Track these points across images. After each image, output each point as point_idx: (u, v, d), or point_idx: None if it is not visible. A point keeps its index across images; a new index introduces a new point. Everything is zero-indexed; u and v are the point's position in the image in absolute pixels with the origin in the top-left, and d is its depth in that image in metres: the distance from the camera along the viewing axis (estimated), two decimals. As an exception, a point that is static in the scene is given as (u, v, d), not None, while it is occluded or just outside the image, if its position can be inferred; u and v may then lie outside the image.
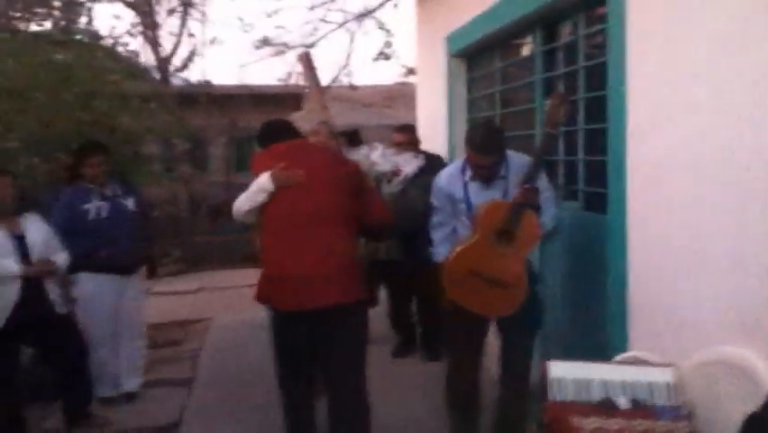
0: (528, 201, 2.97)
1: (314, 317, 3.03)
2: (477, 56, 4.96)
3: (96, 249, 4.02)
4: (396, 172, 3.34)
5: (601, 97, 3.19)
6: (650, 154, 2.77)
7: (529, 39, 4.16)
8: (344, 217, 3.09)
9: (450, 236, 3.29)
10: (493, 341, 3.45)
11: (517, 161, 3.23)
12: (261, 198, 3.08)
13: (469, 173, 3.20)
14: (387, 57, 14.08)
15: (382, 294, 5.30)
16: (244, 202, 3.16)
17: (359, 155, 3.44)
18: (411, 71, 14.79)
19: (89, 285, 4.13)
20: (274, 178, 3.03)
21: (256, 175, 3.13)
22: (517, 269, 2.99)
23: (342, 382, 3.12)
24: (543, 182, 3.15)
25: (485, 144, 3.08)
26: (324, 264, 3.02)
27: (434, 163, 4.11)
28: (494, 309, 3.11)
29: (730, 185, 2.30)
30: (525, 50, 4.25)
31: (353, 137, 5.32)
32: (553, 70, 3.85)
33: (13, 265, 3.56)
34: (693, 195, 2.50)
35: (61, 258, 3.81)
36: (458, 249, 3.08)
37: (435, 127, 5.43)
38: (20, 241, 3.64)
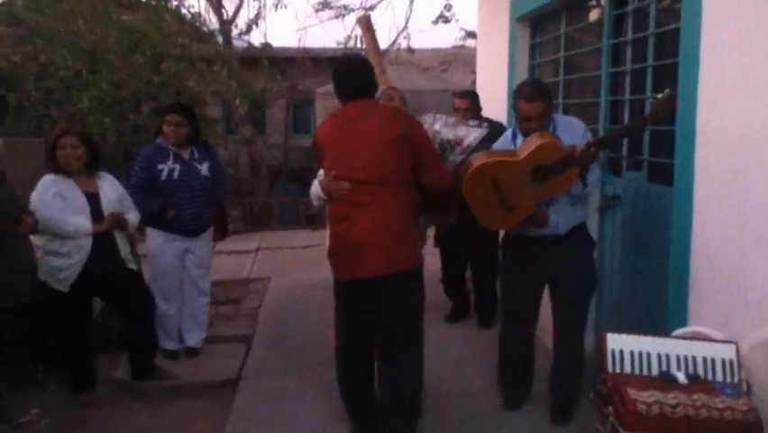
0: (583, 161, 3.01)
1: (365, 285, 3.06)
2: (542, 20, 4.85)
3: (165, 209, 4.14)
4: (458, 142, 3.31)
5: (670, 65, 3.10)
6: (722, 125, 2.68)
7: (598, 3, 4.04)
8: (399, 182, 3.04)
9: None
10: (546, 312, 3.45)
11: (565, 122, 3.28)
12: (319, 203, 3.36)
13: (519, 138, 3.21)
14: (446, 20, 13.89)
15: (437, 259, 5.32)
16: (314, 199, 3.40)
17: (423, 120, 3.42)
18: (470, 35, 14.56)
19: (156, 242, 4.27)
20: (323, 188, 3.20)
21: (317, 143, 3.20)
22: (531, 205, 3.13)
23: (389, 355, 3.11)
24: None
25: (532, 90, 3.19)
26: (375, 232, 3.00)
27: (496, 130, 4.08)
28: (488, 222, 3.29)
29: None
30: (593, 15, 4.13)
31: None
32: (621, 36, 3.74)
33: (86, 222, 3.70)
34: (765, 169, 2.42)
35: (132, 217, 3.94)
36: (497, 158, 3.17)
37: (496, 93, 5.35)
38: (94, 199, 3.78)
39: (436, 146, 3.31)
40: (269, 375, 4.18)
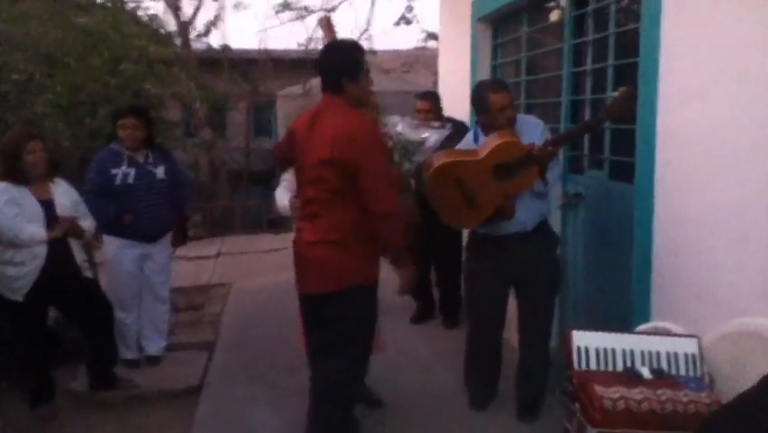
0: (542, 158, 3.05)
1: (309, 299, 2.95)
2: (503, 21, 4.88)
3: (120, 214, 4.05)
4: (420, 143, 3.30)
5: (631, 65, 3.13)
6: (681, 124, 2.72)
7: (558, 4, 4.08)
8: (342, 196, 2.79)
9: None
10: (512, 310, 3.46)
11: (526, 121, 3.33)
12: (284, 213, 3.41)
13: (481, 140, 3.24)
14: (408, 21, 13.91)
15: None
16: (280, 209, 3.48)
17: (387, 122, 3.41)
18: (431, 36, 14.62)
19: (113, 248, 4.17)
20: (291, 208, 3.19)
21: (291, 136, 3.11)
22: (495, 202, 3.15)
23: (322, 367, 2.99)
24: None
25: (495, 82, 3.37)
26: (314, 246, 2.85)
27: (459, 130, 4.08)
28: (452, 220, 3.34)
29: (763, 157, 2.26)
30: (554, 16, 4.17)
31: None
32: (582, 37, 3.78)
33: (40, 230, 3.59)
34: (724, 167, 2.46)
35: (87, 223, 3.84)
36: (457, 158, 3.21)
37: (458, 94, 5.36)
38: (48, 206, 3.67)
39: (399, 148, 3.29)
40: (233, 381, 4.11)
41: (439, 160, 3.17)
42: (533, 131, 3.24)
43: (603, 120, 3.07)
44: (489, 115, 3.20)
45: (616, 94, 2.93)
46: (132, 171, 4.10)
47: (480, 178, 3.11)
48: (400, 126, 3.33)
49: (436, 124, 3.49)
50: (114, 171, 4.06)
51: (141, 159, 4.16)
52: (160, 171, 4.22)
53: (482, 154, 3.11)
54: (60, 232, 3.65)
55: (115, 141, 4.13)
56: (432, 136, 3.37)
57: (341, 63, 2.76)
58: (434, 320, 5.13)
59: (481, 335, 3.53)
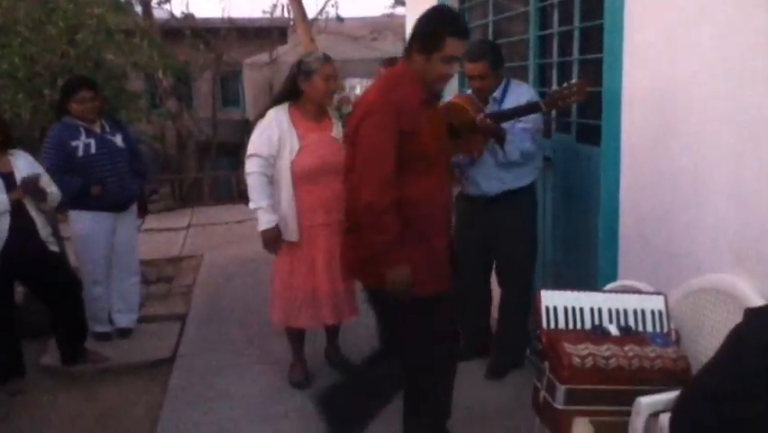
0: (482, 129, 3.14)
1: None
2: (469, -15, 4.84)
3: (87, 186, 3.97)
4: None
5: (597, 27, 3.14)
6: (647, 86, 2.74)
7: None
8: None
9: None
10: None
11: (518, 89, 3.33)
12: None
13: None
14: (375, -12, 13.75)
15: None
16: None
17: (346, 87, 3.41)
18: (399, 2, 14.51)
19: (82, 223, 4.09)
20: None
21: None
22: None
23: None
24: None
25: (476, 50, 3.29)
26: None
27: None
28: None
29: (728, 118, 2.29)
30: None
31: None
32: (547, 0, 3.76)
33: (2, 197, 3.51)
34: (691, 127, 2.49)
35: (53, 190, 3.76)
36: None
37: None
38: (8, 179, 3.58)
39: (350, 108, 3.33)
40: (206, 352, 4.11)
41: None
42: (519, 98, 3.28)
43: (541, 110, 3.14)
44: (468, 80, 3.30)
45: (571, 84, 2.98)
46: (93, 141, 4.02)
47: None
48: (359, 89, 3.33)
49: None
50: (74, 144, 3.97)
51: (98, 129, 4.08)
52: (118, 140, 4.16)
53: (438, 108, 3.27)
54: (21, 192, 3.56)
55: (68, 114, 4.04)
56: None
57: (419, 29, 2.44)
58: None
59: (468, 288, 3.49)
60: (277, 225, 3.34)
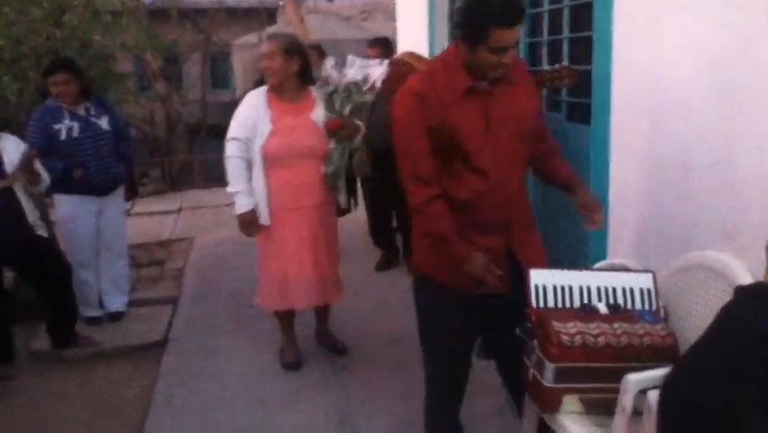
0: None
1: None
2: (458, -37, 4.79)
3: (69, 170, 3.94)
4: (367, 79, 3.30)
5: (587, 5, 3.12)
6: (637, 64, 2.72)
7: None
8: None
9: None
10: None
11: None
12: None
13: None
14: (365, -34, 13.63)
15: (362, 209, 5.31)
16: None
17: (325, 68, 3.39)
18: (390, -18, 14.35)
19: (66, 206, 4.07)
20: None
21: None
22: None
23: None
24: None
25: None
26: None
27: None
28: None
29: (719, 97, 2.28)
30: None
31: (319, 51, 5.35)
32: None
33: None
34: (680, 106, 2.48)
35: (42, 175, 3.73)
36: (412, 59, 3.51)
37: (416, 39, 5.29)
38: (-5, 161, 3.56)
39: (340, 92, 3.29)
40: (198, 335, 4.11)
41: (399, 55, 3.56)
42: None
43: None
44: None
45: (558, 68, 2.98)
46: (76, 124, 3.98)
47: None
48: (349, 71, 3.30)
49: (375, 60, 3.48)
50: (56, 127, 3.94)
51: (82, 112, 4.04)
52: (104, 122, 4.12)
53: (426, 67, 3.30)
54: (12, 179, 3.53)
55: (50, 97, 3.99)
56: (374, 72, 3.37)
57: (462, 17, 2.20)
58: (398, 268, 5.16)
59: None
60: (252, 209, 3.35)
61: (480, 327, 2.49)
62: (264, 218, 3.38)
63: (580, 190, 2.34)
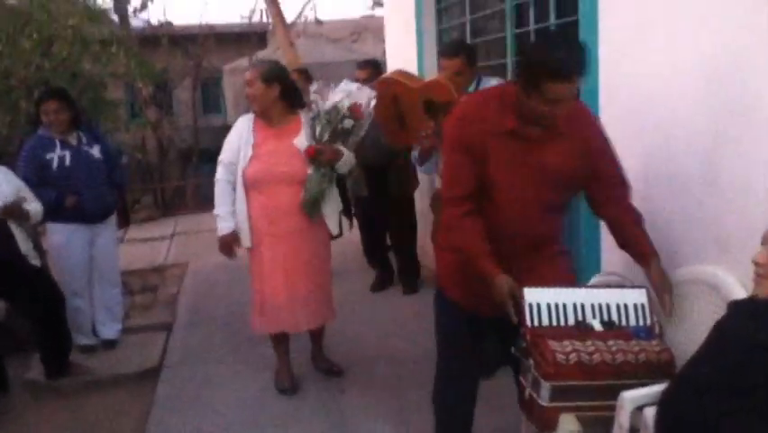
0: None
1: None
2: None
3: (62, 198, 3.93)
4: (355, 108, 3.30)
5: (572, 23, 3.15)
6: (624, 81, 2.75)
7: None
8: None
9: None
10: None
11: (490, 83, 3.47)
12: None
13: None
14: (355, -11, 13.75)
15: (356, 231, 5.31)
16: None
17: (312, 94, 3.40)
18: (379, 3, 14.49)
19: (58, 235, 4.06)
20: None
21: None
22: (420, 122, 3.39)
23: None
24: None
25: (449, 47, 3.65)
26: None
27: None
28: (388, 134, 3.79)
29: (704, 102, 2.30)
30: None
31: (306, 75, 5.43)
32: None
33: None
34: (668, 116, 2.50)
35: (34, 207, 3.72)
36: (401, 78, 3.66)
37: (405, 60, 5.33)
38: (-13, 193, 3.54)
39: (321, 117, 3.32)
40: (192, 361, 4.08)
41: (389, 74, 3.72)
42: None
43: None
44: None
45: None
46: (68, 154, 3.98)
47: (411, 103, 3.48)
48: (335, 95, 3.31)
49: (356, 85, 3.49)
50: (49, 156, 3.94)
51: (73, 141, 4.05)
52: (95, 151, 4.12)
53: (419, 84, 3.57)
54: (1, 213, 3.52)
55: (42, 126, 4.00)
56: (361, 97, 3.38)
57: (522, 60, 2.19)
58: (393, 288, 5.15)
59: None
60: (233, 231, 3.42)
61: (489, 340, 2.52)
62: (245, 241, 3.43)
63: (654, 267, 2.26)
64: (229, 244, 3.45)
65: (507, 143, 2.20)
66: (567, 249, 2.55)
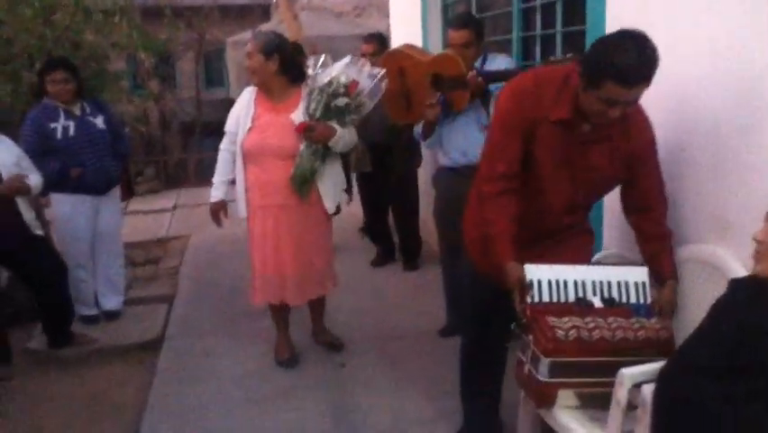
0: (472, 86, 3.21)
1: None
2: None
3: (66, 169, 3.92)
4: (351, 86, 3.25)
5: (580, 1, 3.11)
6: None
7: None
8: None
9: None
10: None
11: (497, 60, 3.44)
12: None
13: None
14: (358, -38, 13.60)
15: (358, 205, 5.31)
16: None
17: (309, 69, 3.35)
18: (383, -23, 14.31)
19: (63, 206, 4.06)
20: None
21: None
22: (422, 101, 3.37)
23: None
24: None
25: (458, 19, 3.52)
26: None
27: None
28: (393, 112, 3.71)
29: (708, 84, 2.28)
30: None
31: (299, 50, 5.33)
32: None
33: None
34: (672, 96, 2.48)
35: (34, 179, 3.70)
36: (410, 51, 3.63)
37: (409, 35, 5.28)
38: (-12, 163, 3.54)
39: (315, 95, 3.28)
40: (194, 333, 4.10)
41: (397, 47, 3.68)
42: (499, 67, 3.33)
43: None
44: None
45: (561, 58, 2.95)
46: (72, 124, 3.96)
47: (418, 77, 3.42)
48: (335, 70, 3.27)
49: (359, 61, 3.43)
50: (53, 126, 3.92)
51: (77, 111, 4.03)
52: (99, 122, 4.11)
53: (428, 58, 3.51)
54: (4, 189, 3.52)
55: (46, 96, 3.98)
56: (363, 80, 3.33)
57: (588, 53, 2.06)
58: (394, 264, 5.16)
59: (449, 267, 3.60)
60: (221, 200, 3.55)
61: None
62: (241, 211, 3.47)
63: (667, 291, 2.25)
64: (216, 211, 3.57)
65: (556, 133, 2.17)
66: (591, 229, 2.54)
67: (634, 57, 1.89)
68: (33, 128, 3.92)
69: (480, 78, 3.18)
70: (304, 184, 3.32)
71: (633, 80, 1.92)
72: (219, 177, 3.53)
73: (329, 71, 3.28)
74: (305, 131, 3.24)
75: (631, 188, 2.31)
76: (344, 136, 3.33)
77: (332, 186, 3.45)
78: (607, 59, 1.93)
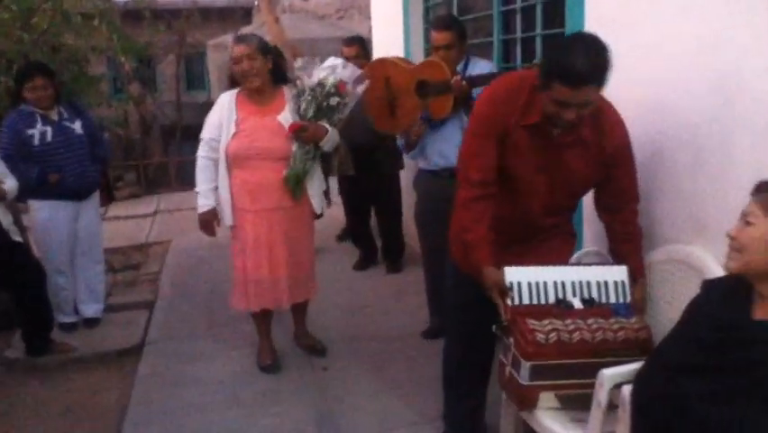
0: (456, 91, 3.22)
1: None
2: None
3: (44, 175, 3.88)
4: (340, 86, 3.26)
5: (559, 0, 3.13)
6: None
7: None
8: None
9: None
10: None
11: (479, 64, 3.45)
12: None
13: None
14: (340, -35, 13.60)
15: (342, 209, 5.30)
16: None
17: (297, 70, 3.35)
18: (365, -20, 14.31)
19: (42, 212, 4.01)
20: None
21: None
22: (412, 114, 3.43)
23: None
24: None
25: (441, 20, 3.51)
26: None
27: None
28: (377, 120, 3.71)
29: (687, 93, 2.30)
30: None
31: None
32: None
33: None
34: (652, 99, 2.50)
35: (9, 183, 3.66)
36: (395, 59, 3.68)
37: (391, 37, 5.29)
38: (-37, 169, 3.49)
39: (306, 93, 3.27)
40: (175, 339, 4.07)
41: (384, 57, 3.73)
42: (482, 71, 3.33)
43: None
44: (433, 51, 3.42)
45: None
46: (49, 129, 3.92)
47: (404, 84, 3.45)
48: (319, 72, 3.27)
49: (340, 61, 3.44)
50: (30, 132, 3.87)
51: (55, 116, 3.98)
52: (77, 126, 4.06)
53: (413, 65, 3.57)
54: None
55: (23, 102, 3.93)
56: (343, 73, 3.34)
57: (544, 53, 2.18)
58: (377, 267, 5.15)
59: (431, 268, 3.64)
60: (212, 208, 3.40)
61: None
62: (227, 218, 3.41)
63: (637, 288, 2.30)
64: (209, 221, 3.42)
65: (529, 137, 2.18)
66: (573, 232, 2.56)
67: (580, 59, 1.90)
68: (10, 135, 3.86)
69: (464, 83, 3.19)
70: (298, 185, 3.32)
71: (577, 82, 1.92)
72: (204, 185, 3.39)
73: (317, 73, 3.28)
74: (298, 131, 3.23)
75: (605, 189, 2.33)
76: (334, 135, 3.35)
77: (318, 187, 3.47)
78: (554, 61, 1.96)
